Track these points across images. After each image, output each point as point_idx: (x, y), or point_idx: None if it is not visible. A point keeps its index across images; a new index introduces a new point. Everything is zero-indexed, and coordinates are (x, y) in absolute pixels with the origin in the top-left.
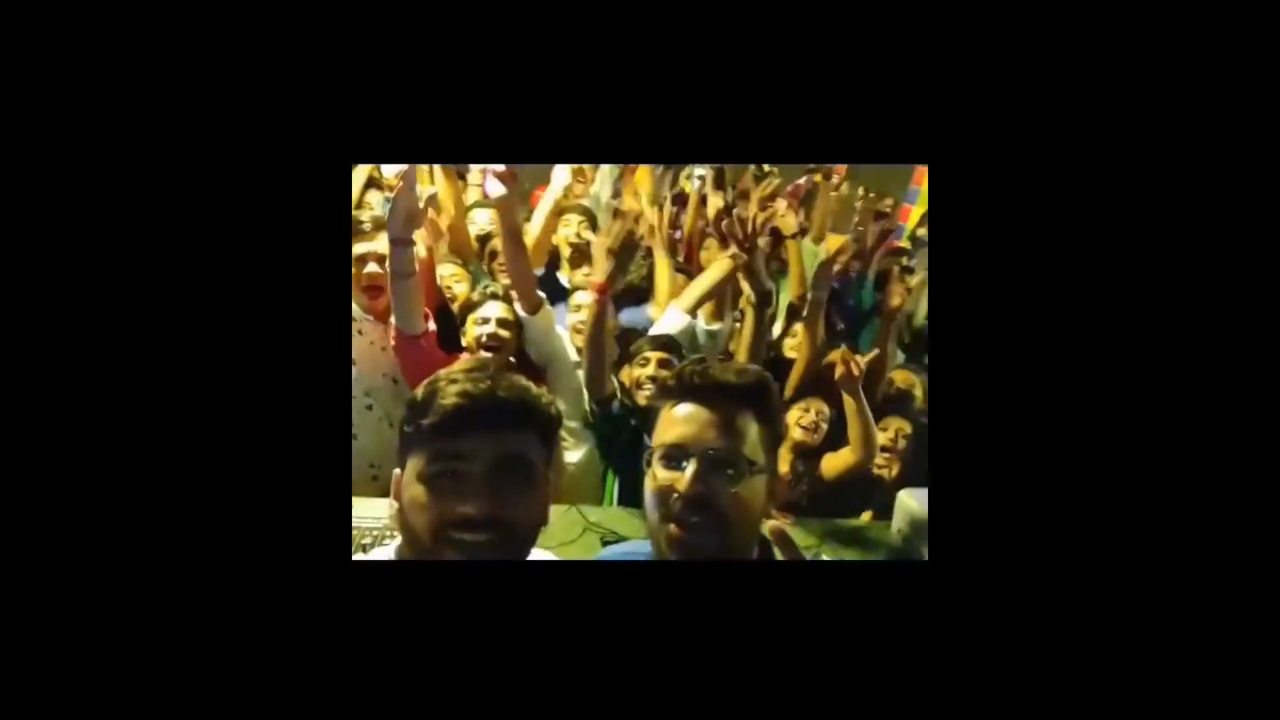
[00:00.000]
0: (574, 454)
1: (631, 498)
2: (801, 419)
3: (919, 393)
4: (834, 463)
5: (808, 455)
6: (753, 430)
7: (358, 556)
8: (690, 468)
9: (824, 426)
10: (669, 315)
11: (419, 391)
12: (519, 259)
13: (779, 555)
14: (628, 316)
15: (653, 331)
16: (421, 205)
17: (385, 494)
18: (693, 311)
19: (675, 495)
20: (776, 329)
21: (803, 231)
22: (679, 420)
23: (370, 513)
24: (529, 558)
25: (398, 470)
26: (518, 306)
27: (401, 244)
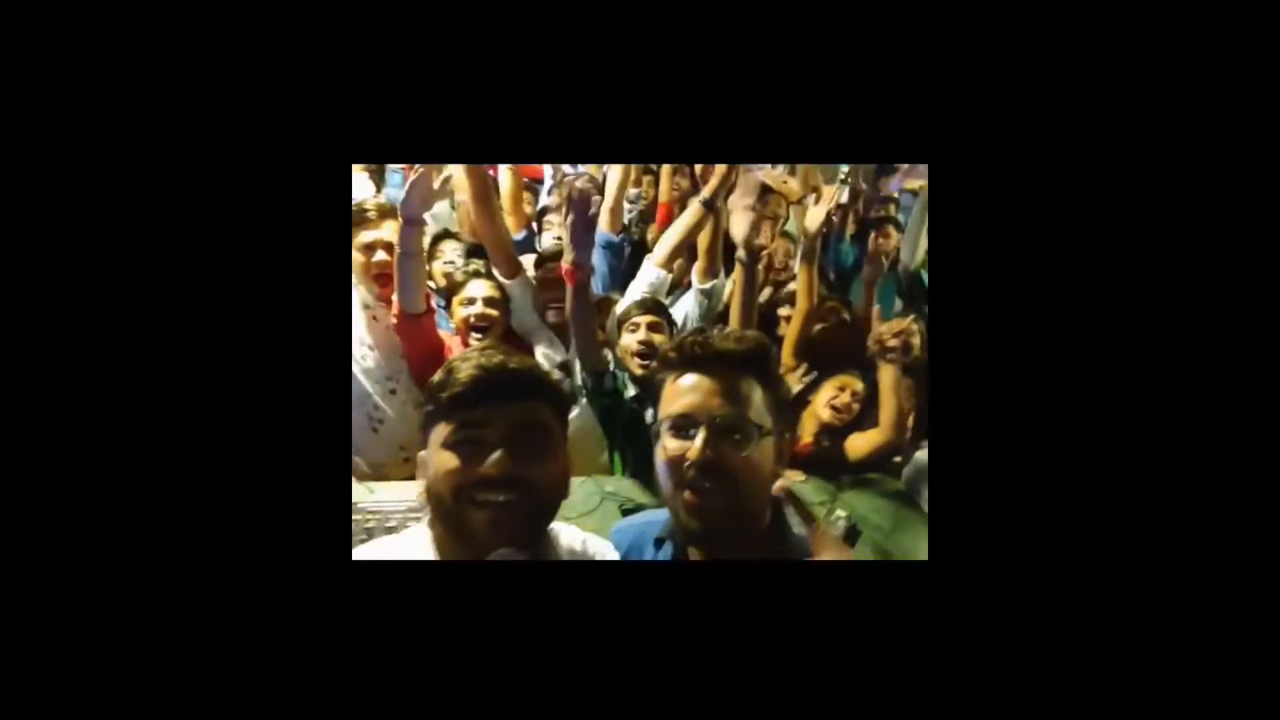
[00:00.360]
0: None
1: (639, 469)
2: (835, 399)
3: (916, 341)
4: (860, 443)
5: (834, 433)
6: (756, 395)
7: (381, 537)
8: (700, 435)
9: (856, 407)
10: (645, 271)
11: (436, 375)
12: (492, 222)
13: (789, 515)
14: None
15: (631, 292)
16: (437, 186)
17: (415, 476)
18: (668, 265)
19: (687, 463)
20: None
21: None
22: (684, 391)
23: (397, 496)
24: (551, 523)
25: (422, 453)
26: (496, 273)
27: (414, 224)
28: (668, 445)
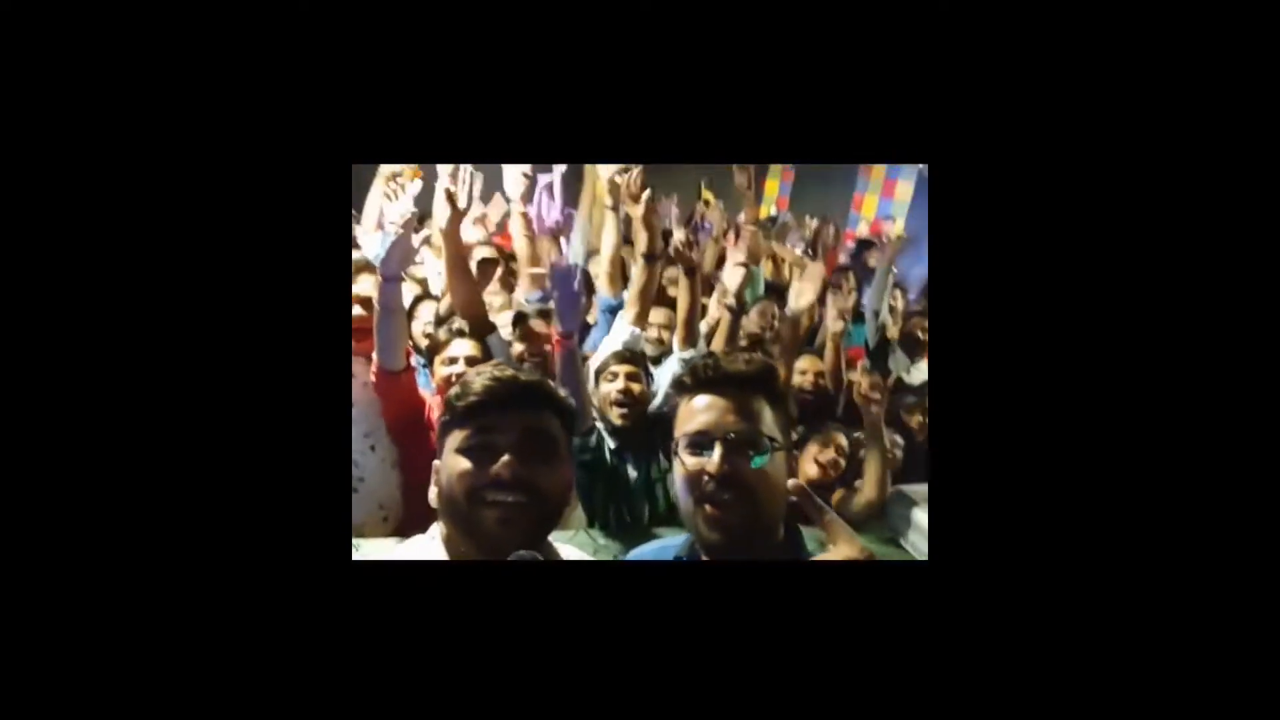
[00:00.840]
0: None
1: (625, 524)
2: (821, 455)
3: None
4: (847, 502)
5: (822, 488)
6: (766, 411)
7: (394, 547)
8: (717, 450)
9: (843, 463)
10: (618, 329)
11: (453, 390)
12: (463, 284)
13: (805, 514)
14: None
15: (609, 347)
16: (416, 245)
17: (396, 535)
18: (639, 322)
19: (707, 478)
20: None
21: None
22: (699, 410)
23: (378, 552)
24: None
25: (437, 461)
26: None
27: (393, 280)
28: (686, 462)
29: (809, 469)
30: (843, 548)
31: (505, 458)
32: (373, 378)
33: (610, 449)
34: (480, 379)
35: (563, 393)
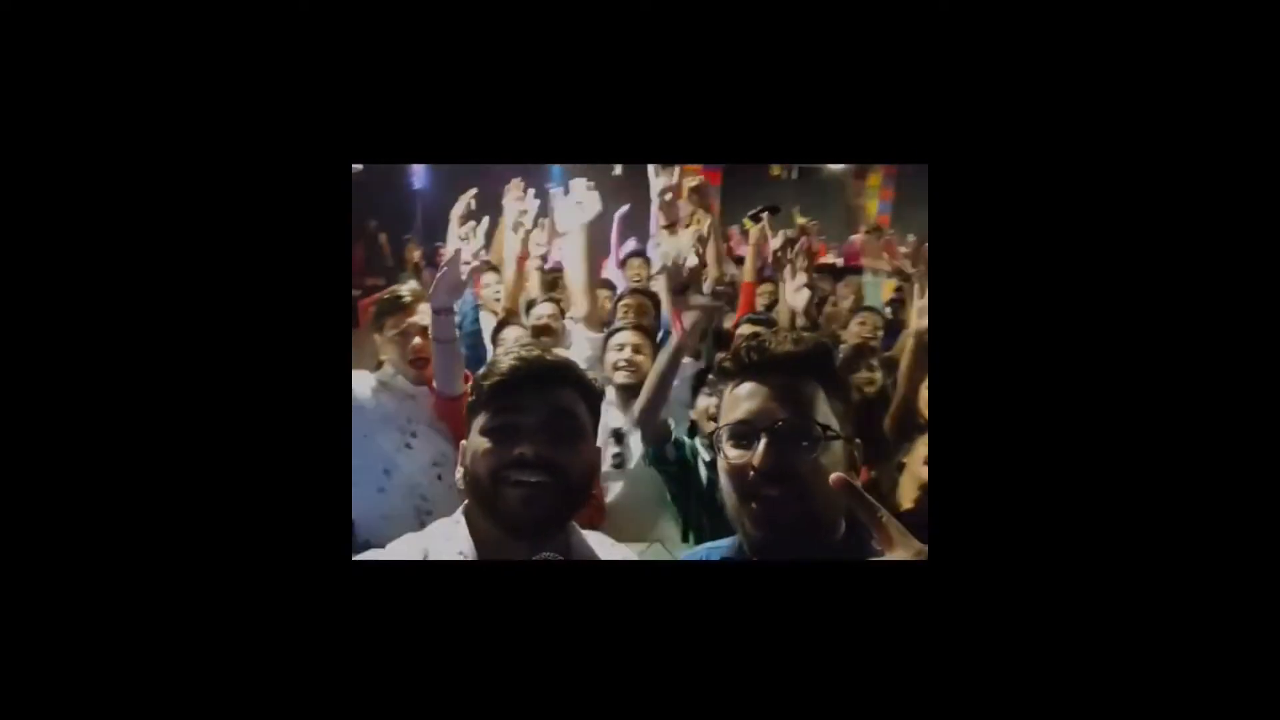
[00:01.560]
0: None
1: (717, 535)
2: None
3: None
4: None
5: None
6: (820, 397)
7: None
8: (762, 442)
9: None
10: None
11: (480, 371)
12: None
13: (855, 513)
14: None
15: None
16: (464, 278)
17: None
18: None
19: (752, 472)
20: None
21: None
22: (741, 399)
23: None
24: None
25: (464, 442)
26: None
27: (443, 313)
28: (729, 454)
29: (922, 473)
30: (898, 551)
31: (529, 439)
32: (432, 408)
33: (705, 461)
34: (507, 359)
35: (591, 374)
